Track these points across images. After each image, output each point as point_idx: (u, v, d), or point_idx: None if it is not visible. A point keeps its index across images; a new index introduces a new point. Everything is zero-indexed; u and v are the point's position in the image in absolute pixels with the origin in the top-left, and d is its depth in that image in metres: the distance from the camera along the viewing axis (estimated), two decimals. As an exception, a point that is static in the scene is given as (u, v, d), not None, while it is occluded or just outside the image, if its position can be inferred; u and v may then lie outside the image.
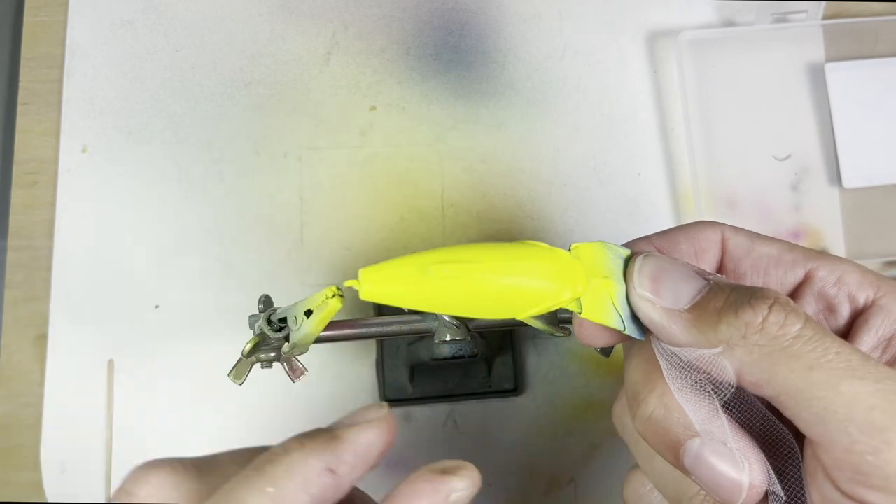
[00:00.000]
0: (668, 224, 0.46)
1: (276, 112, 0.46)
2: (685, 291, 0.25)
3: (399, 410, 0.43)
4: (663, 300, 0.25)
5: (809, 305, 0.28)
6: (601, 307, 0.26)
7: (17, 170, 0.45)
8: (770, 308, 0.23)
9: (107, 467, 0.42)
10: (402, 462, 0.43)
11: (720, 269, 0.29)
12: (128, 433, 0.42)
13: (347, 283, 0.24)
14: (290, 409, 0.43)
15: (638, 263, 0.26)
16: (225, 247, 0.45)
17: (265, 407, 0.43)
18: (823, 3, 0.46)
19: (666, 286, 0.25)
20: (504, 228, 0.45)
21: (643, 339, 0.26)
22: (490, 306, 0.25)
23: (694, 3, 0.48)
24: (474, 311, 0.25)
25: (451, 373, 0.42)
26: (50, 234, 0.44)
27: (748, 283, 0.28)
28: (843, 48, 0.47)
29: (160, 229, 0.45)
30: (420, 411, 0.43)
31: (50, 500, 0.42)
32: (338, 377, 0.43)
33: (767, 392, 0.23)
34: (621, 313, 0.26)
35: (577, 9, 0.48)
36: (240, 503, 0.23)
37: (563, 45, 0.48)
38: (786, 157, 0.47)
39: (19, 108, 0.46)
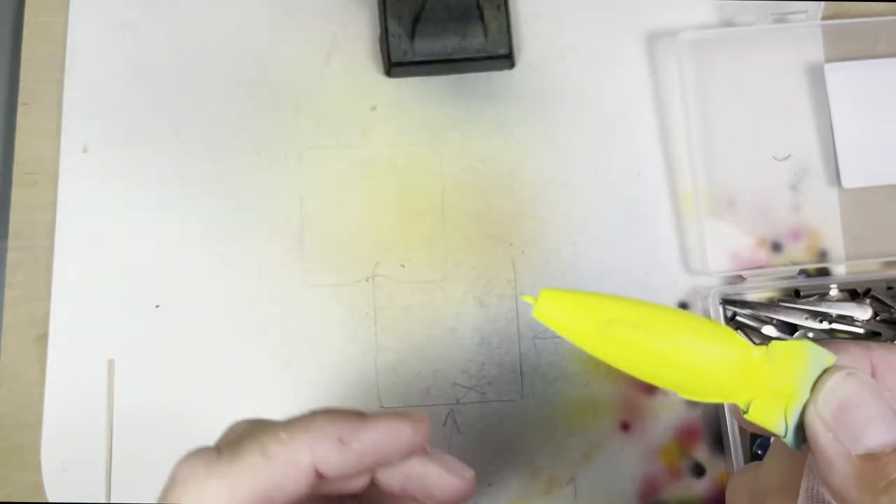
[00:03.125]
0: (667, 225, 0.46)
1: (276, 112, 0.46)
2: (870, 436, 0.21)
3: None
4: (840, 433, 0.22)
5: None
6: (770, 414, 0.23)
7: (17, 170, 0.45)
8: None
9: (107, 467, 0.42)
10: (402, 462, 0.43)
11: None
12: (128, 433, 0.42)
13: (525, 298, 0.24)
14: (290, 407, 0.43)
15: (833, 381, 0.22)
16: (225, 246, 0.45)
17: (265, 405, 0.43)
18: (823, 3, 0.46)
19: (851, 419, 0.22)
20: (504, 228, 0.45)
21: (800, 451, 0.24)
22: (656, 375, 0.23)
23: (693, 3, 0.48)
24: (638, 373, 0.23)
25: (450, 34, 0.44)
26: (50, 235, 0.44)
27: None
28: (843, 48, 0.47)
29: (161, 229, 0.45)
30: (420, 412, 0.43)
31: (50, 500, 0.42)
32: (338, 376, 0.44)
33: None
34: (789, 421, 0.23)
35: (576, 9, 0.48)
36: (255, 439, 0.25)
37: (563, 45, 0.48)
38: (785, 158, 0.47)
39: (20, 109, 0.46)
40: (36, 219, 0.45)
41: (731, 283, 0.45)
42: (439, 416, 0.43)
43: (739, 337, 0.23)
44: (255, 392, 0.43)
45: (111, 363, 0.43)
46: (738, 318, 0.44)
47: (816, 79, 0.47)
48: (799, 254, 0.46)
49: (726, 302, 0.44)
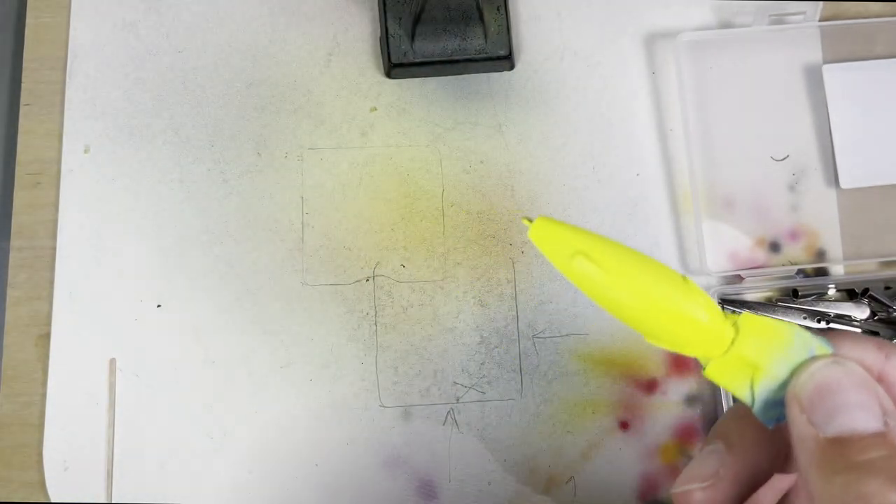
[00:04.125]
0: (666, 225, 0.46)
1: (277, 113, 0.47)
2: (842, 420, 0.21)
3: (398, 410, 0.43)
4: (813, 415, 0.21)
5: None
6: (730, 378, 0.24)
7: (19, 170, 0.45)
8: None
9: (108, 466, 0.42)
10: (401, 461, 0.43)
11: None
12: (130, 432, 0.43)
13: (524, 220, 0.25)
14: (290, 407, 0.43)
15: (816, 366, 0.22)
16: (226, 246, 0.45)
17: (264, 404, 0.43)
18: (821, 4, 0.46)
19: (826, 403, 0.21)
20: (503, 228, 0.46)
21: (771, 427, 0.23)
22: (618, 313, 0.24)
23: (692, 4, 0.48)
24: (604, 307, 0.25)
25: (450, 35, 0.45)
26: (52, 235, 0.45)
27: None
28: (841, 49, 0.48)
29: (162, 229, 0.45)
30: (420, 411, 0.43)
31: (52, 500, 0.42)
32: (338, 376, 0.44)
33: None
34: (756, 393, 0.23)
35: (576, 10, 0.48)
36: None
37: (563, 46, 0.48)
38: (783, 158, 0.47)
39: (22, 109, 0.46)
40: (38, 219, 0.45)
41: (729, 283, 0.45)
42: (439, 416, 0.43)
43: (707, 297, 0.24)
44: (255, 392, 0.43)
45: (113, 363, 0.43)
46: (736, 317, 0.44)
47: (814, 80, 0.47)
48: (797, 254, 0.46)
49: (725, 302, 0.44)
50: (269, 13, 0.48)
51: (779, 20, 0.47)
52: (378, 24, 0.47)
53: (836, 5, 0.48)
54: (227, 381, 0.43)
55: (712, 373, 0.24)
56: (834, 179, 0.46)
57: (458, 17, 0.45)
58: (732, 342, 0.23)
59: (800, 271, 0.45)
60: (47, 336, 0.43)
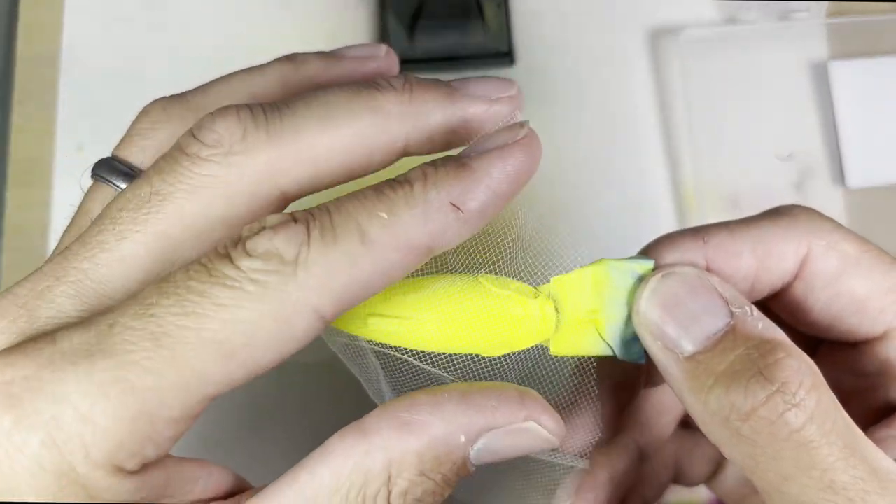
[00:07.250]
0: (669, 225, 0.45)
1: (273, 111, 0.46)
2: (692, 334, 0.20)
3: (398, 412, 0.43)
4: (665, 339, 0.20)
5: (872, 364, 0.23)
6: (580, 341, 0.22)
7: (12, 169, 0.45)
8: (769, 397, 0.18)
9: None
10: (401, 465, 0.42)
11: (786, 289, 0.23)
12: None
13: None
14: (287, 408, 0.43)
15: (651, 286, 0.21)
16: (222, 247, 0.44)
17: (264, 404, 0.43)
18: (827, 1, 0.46)
19: (673, 323, 0.20)
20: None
21: (644, 361, 0.22)
22: (436, 347, 0.23)
23: (696, 1, 0.48)
24: (420, 347, 0.23)
25: (450, 31, 0.45)
26: (45, 234, 0.44)
27: (812, 322, 0.23)
28: (847, 46, 0.47)
29: (157, 229, 0.44)
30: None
31: None
32: (337, 376, 0.43)
33: (739, 468, 0.20)
34: (609, 340, 0.22)
35: (577, 6, 0.48)
36: (348, 215, 0.20)
37: (564, 42, 0.47)
38: (789, 157, 0.46)
39: (14, 108, 0.46)
40: (31, 219, 0.44)
41: (734, 284, 0.44)
42: (439, 419, 0.43)
43: (507, 286, 0.22)
44: (254, 391, 0.43)
45: (106, 365, 0.43)
46: (741, 318, 0.44)
47: (820, 77, 0.47)
48: (803, 254, 0.45)
49: (730, 303, 0.44)
50: (264, 9, 0.47)
51: (784, 17, 0.46)
52: (375, 20, 0.47)
53: (842, 2, 0.48)
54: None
55: (559, 348, 0.23)
56: (840, 178, 0.46)
57: (458, 12, 0.45)
58: (557, 311, 0.22)
59: (806, 272, 0.44)
60: (40, 338, 0.43)
